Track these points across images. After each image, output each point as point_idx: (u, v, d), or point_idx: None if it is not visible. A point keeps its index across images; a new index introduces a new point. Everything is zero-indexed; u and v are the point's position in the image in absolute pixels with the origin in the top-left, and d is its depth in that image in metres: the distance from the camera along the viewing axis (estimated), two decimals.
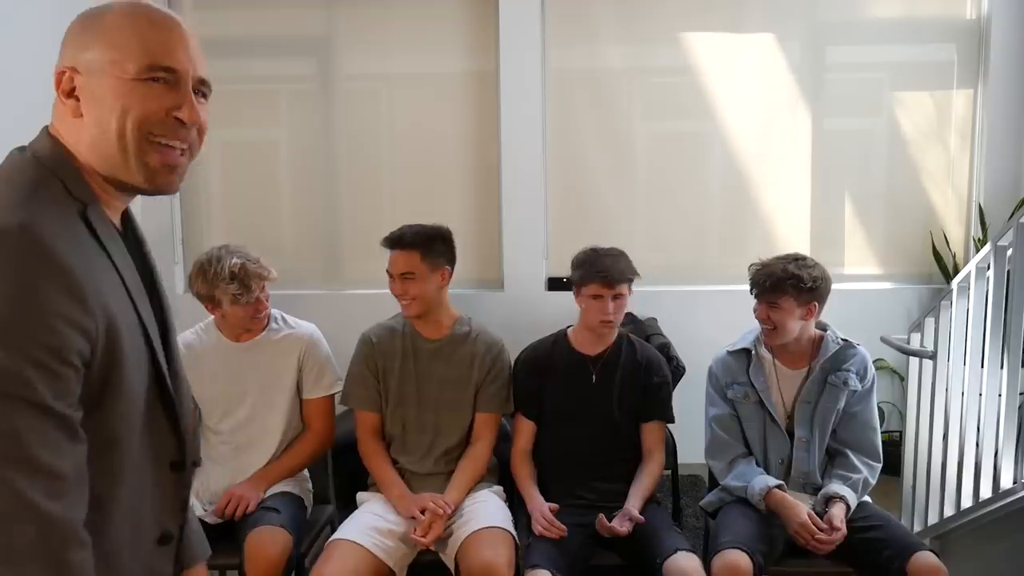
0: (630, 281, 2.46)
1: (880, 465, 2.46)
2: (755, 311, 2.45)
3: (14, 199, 1.02)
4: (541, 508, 2.36)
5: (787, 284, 2.34)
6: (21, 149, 1.12)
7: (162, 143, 1.10)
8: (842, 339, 2.47)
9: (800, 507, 2.28)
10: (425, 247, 2.45)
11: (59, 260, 0.98)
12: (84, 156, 1.10)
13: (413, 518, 2.30)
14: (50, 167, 1.08)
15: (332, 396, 2.57)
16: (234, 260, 2.38)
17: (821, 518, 2.27)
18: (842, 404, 2.42)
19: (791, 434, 2.41)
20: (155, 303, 1.19)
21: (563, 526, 2.29)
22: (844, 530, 2.23)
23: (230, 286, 2.35)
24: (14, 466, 0.94)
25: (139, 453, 1.13)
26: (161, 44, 1.09)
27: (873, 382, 2.49)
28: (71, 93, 1.09)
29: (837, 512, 2.27)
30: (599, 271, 2.43)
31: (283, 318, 2.57)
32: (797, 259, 2.41)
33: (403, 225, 2.52)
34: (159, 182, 1.12)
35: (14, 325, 0.95)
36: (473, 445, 2.50)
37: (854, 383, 2.42)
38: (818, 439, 2.40)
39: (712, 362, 2.55)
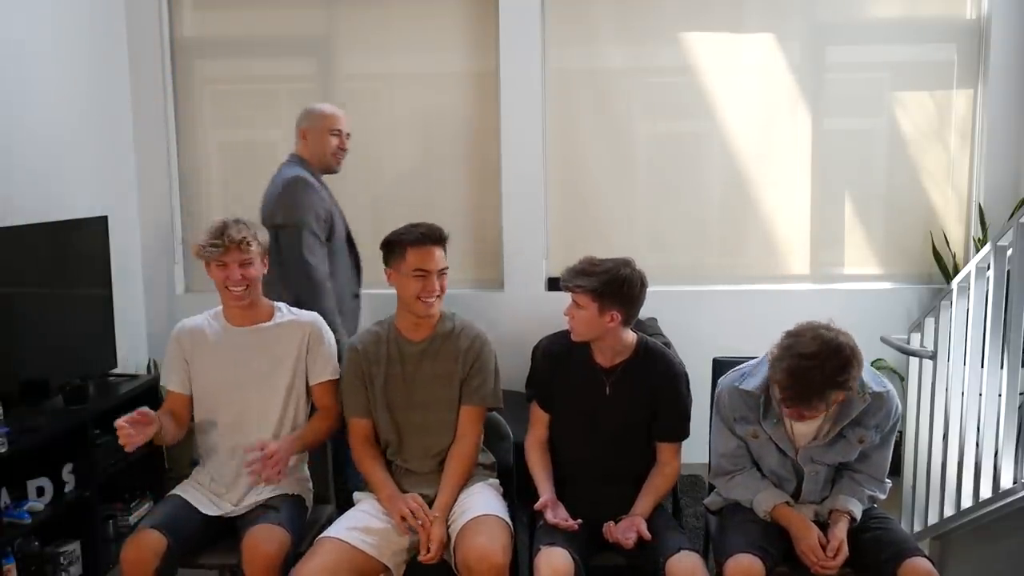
0: (585, 290, 2.32)
1: (889, 484, 2.39)
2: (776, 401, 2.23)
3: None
4: (554, 501, 2.34)
5: (819, 404, 2.13)
6: None
7: None
8: (871, 393, 2.24)
9: (811, 529, 2.23)
10: (444, 241, 2.45)
11: None
12: None
13: (403, 519, 2.28)
14: None
15: (339, 380, 2.54)
16: (230, 219, 2.43)
17: (826, 528, 2.24)
18: (855, 455, 2.33)
19: (803, 462, 2.33)
20: None
21: (574, 522, 2.27)
22: (846, 551, 2.19)
23: (209, 237, 2.39)
24: None
25: None
26: None
27: (894, 428, 2.34)
28: None
29: (839, 532, 2.21)
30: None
31: (288, 308, 2.58)
32: (836, 379, 2.07)
33: (417, 224, 2.44)
34: None
35: None
36: (458, 443, 2.44)
37: (871, 439, 2.30)
38: (827, 469, 2.35)
39: (721, 388, 2.40)
